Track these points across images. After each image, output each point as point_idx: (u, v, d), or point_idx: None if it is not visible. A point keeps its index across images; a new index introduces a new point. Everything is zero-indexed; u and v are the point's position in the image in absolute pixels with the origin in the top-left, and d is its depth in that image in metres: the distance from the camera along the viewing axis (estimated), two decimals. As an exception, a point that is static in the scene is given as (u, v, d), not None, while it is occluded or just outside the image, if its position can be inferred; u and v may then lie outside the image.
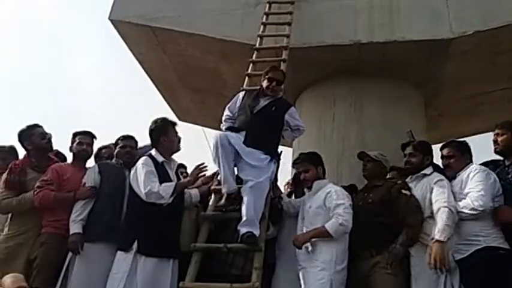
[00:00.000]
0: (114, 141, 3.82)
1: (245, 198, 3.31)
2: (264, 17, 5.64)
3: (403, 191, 3.23)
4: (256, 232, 3.22)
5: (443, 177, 3.18)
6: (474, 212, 2.88)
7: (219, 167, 3.45)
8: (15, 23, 21.37)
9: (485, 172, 3.04)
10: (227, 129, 3.77)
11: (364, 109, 5.89)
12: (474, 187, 2.95)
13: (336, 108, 6.03)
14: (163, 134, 3.42)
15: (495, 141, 3.13)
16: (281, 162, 3.73)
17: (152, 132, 3.44)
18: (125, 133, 3.80)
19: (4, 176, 3.56)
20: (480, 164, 3.25)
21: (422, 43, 5.48)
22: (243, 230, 3.22)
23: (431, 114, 6.62)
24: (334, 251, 3.16)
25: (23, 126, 3.64)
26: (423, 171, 3.29)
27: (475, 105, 6.95)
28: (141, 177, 3.20)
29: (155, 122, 3.45)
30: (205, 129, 8.46)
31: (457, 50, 5.56)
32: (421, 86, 6.16)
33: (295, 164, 3.82)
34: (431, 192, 3.09)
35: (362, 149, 5.35)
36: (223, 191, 3.48)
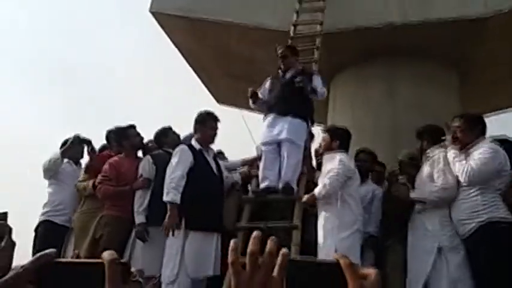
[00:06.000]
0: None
1: (283, 158, 3.86)
2: (297, 4, 5.78)
3: None
4: (293, 185, 3.77)
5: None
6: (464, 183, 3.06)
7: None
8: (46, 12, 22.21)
9: (493, 151, 3.05)
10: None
11: (398, 90, 5.99)
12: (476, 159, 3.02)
13: (369, 89, 6.17)
14: (201, 125, 3.82)
15: None
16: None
17: (194, 122, 3.87)
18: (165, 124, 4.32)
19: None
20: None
21: (456, 22, 5.48)
22: (281, 184, 3.78)
23: (466, 94, 6.59)
24: None
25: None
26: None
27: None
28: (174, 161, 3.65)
29: (199, 113, 3.82)
30: (244, 112, 8.75)
31: (493, 28, 5.51)
32: (456, 65, 6.14)
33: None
34: None
35: (395, 131, 5.57)
36: (262, 186, 3.87)
